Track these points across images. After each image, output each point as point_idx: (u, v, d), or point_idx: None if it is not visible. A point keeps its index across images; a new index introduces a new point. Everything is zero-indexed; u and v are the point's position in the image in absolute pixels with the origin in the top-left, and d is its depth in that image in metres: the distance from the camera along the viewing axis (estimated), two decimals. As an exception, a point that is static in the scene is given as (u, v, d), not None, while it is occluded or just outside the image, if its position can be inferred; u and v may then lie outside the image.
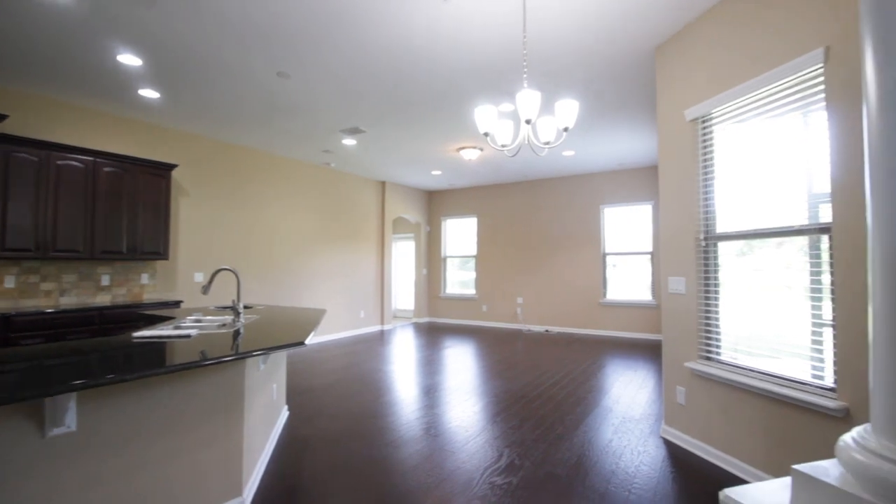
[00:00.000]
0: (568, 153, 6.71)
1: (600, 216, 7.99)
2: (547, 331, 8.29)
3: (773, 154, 2.62)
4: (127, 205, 4.62)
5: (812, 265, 2.37)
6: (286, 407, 3.73)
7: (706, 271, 3.01)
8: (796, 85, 2.37)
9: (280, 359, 3.50)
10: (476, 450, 2.97)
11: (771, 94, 2.52)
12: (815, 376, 2.31)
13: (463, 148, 6.41)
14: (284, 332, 2.45)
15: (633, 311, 7.57)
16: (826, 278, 2.28)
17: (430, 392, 4.41)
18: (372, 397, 4.17)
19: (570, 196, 8.31)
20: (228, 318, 3.07)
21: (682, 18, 3.06)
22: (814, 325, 2.34)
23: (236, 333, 2.41)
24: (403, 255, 11.00)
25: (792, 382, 2.36)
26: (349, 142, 5.96)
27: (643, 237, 7.65)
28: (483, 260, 9.31)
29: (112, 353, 1.89)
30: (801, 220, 2.43)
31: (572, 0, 2.87)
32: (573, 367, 5.43)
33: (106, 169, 4.45)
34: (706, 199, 3.02)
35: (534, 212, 8.70)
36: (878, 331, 1.06)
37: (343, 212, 7.82)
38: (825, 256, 2.29)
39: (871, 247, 1.09)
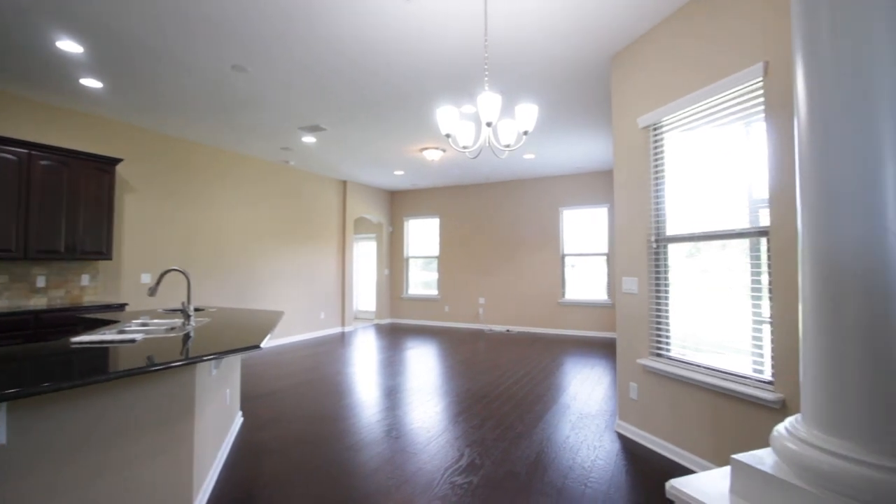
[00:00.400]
0: (528, 156, 6.85)
1: (559, 218, 8.20)
2: (508, 330, 8.41)
3: (719, 161, 2.77)
4: (66, 201, 4.31)
5: (752, 266, 2.53)
6: (240, 413, 3.60)
7: (657, 272, 3.15)
8: (739, 97, 2.53)
9: (234, 363, 3.37)
10: (437, 451, 2.97)
11: (716, 105, 2.67)
12: (755, 370, 2.46)
13: (426, 149, 6.41)
14: (238, 336, 2.37)
15: (591, 310, 7.81)
16: (765, 278, 2.44)
17: (392, 394, 4.37)
18: (332, 400, 4.09)
19: (531, 198, 8.48)
20: (178, 321, 2.93)
21: (636, 28, 3.19)
22: (754, 322, 2.50)
23: (186, 337, 2.30)
24: (365, 255, 10.86)
25: (735, 376, 2.51)
26: (309, 139, 5.82)
27: (599, 239, 7.91)
28: (446, 261, 9.34)
29: (48, 359, 1.76)
30: (743, 223, 2.59)
31: (534, 3, 2.93)
32: (533, 367, 5.54)
33: (42, 162, 4.14)
34: (657, 203, 3.16)
35: (496, 213, 8.82)
36: (807, 327, 1.14)
37: (302, 211, 7.63)
38: (764, 258, 2.46)
39: (801, 249, 1.17)
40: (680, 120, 2.94)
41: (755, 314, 2.50)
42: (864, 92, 1.03)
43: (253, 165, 6.73)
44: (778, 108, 2.26)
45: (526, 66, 3.78)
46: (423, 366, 5.71)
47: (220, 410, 2.78)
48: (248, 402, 3.96)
